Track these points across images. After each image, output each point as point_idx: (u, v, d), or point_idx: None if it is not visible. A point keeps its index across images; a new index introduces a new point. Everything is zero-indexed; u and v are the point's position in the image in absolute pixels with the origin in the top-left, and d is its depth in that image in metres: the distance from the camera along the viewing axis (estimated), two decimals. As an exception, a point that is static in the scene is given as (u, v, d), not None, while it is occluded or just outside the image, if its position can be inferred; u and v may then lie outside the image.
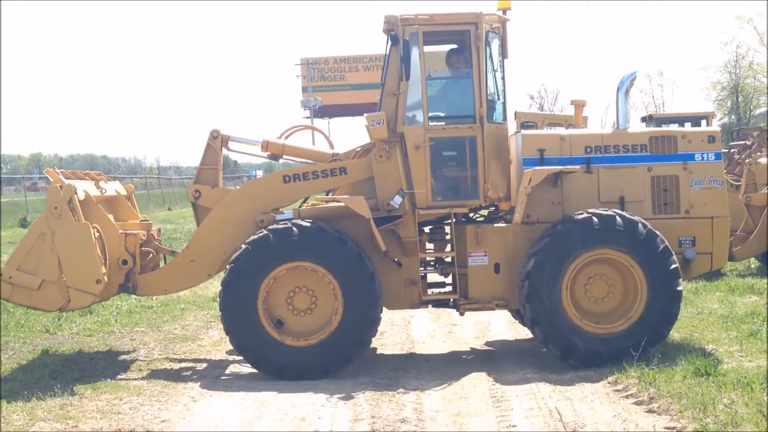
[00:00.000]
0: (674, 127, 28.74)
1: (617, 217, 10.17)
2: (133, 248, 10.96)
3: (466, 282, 10.82)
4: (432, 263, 11.25)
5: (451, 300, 10.98)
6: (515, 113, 28.32)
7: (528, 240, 10.64)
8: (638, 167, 10.83)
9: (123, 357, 11.48)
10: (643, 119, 31.32)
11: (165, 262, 11.51)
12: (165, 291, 11.42)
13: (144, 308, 14.93)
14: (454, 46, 11.11)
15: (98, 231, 10.51)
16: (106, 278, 10.47)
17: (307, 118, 70.06)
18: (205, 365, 11.08)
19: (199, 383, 10.09)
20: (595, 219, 10.17)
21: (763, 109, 60.20)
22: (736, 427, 7.57)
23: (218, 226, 10.88)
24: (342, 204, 10.71)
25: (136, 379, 10.26)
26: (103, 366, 10.84)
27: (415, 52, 10.57)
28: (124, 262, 10.90)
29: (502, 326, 13.30)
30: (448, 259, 11.08)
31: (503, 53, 11.15)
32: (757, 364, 9.83)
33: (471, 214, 11.26)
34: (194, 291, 15.61)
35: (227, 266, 10.29)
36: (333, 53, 75.12)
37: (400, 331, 13.20)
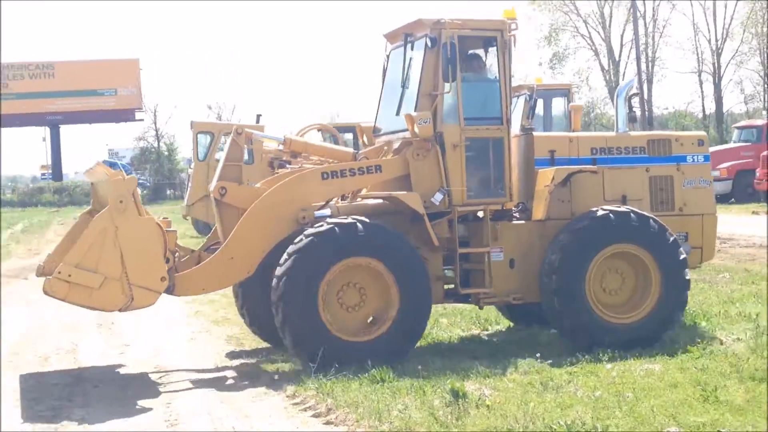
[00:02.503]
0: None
1: (632, 214, 11.03)
2: (173, 246, 10.64)
3: (483, 277, 11.28)
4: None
5: (471, 295, 11.43)
6: (191, 122, 29.16)
7: (540, 236, 11.33)
8: (637, 168, 11.81)
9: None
10: (319, 129, 32.41)
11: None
12: (203, 290, 11.12)
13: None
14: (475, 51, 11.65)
15: (160, 226, 10.18)
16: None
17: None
18: None
19: None
20: (612, 216, 10.97)
21: None
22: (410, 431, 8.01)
23: (258, 223, 10.75)
24: (378, 201, 11.04)
25: None
26: None
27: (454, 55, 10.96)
28: (166, 261, 10.52)
29: (174, 345, 13.04)
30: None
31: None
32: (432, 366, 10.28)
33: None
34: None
35: (286, 255, 10.24)
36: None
37: (67, 355, 12.43)
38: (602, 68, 63.42)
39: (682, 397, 8.51)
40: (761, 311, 12.32)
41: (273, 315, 11.31)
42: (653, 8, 61.87)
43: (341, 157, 11.75)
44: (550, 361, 10.19)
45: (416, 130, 10.86)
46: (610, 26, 62.62)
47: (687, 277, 11.24)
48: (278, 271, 10.27)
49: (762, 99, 62.62)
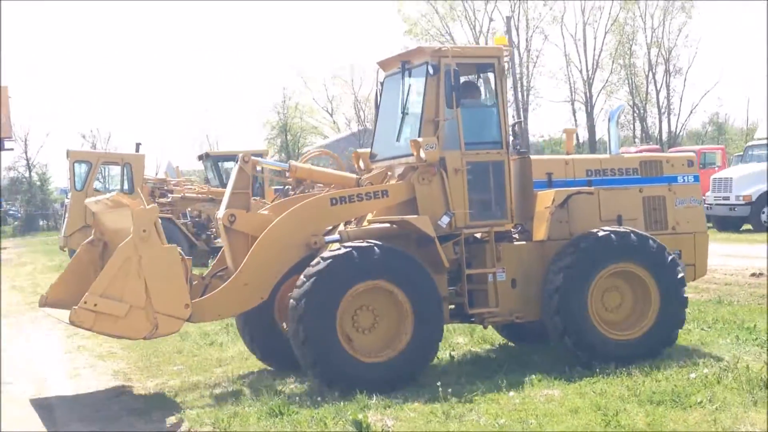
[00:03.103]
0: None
1: (632, 234, 11.34)
2: (189, 273, 10.70)
3: (486, 297, 11.48)
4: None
5: (476, 315, 11.55)
6: (68, 152, 28.95)
7: (540, 256, 11.58)
8: (631, 188, 12.18)
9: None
10: (200, 157, 32.57)
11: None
12: (219, 316, 11.20)
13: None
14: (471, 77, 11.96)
15: (181, 254, 10.22)
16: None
17: None
18: None
19: None
20: (613, 236, 11.26)
21: (310, 147, 66.34)
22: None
23: (270, 250, 10.87)
24: (385, 225, 11.21)
25: None
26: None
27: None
28: None
29: (57, 381, 12.69)
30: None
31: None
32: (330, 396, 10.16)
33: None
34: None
35: (304, 278, 10.35)
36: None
37: None
38: None
39: (584, 422, 8.59)
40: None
41: (273, 337, 11.80)
42: (526, 39, 64.05)
43: (345, 183, 11.92)
44: (450, 389, 10.07)
45: (422, 155, 11.07)
46: None
47: (685, 296, 11.58)
48: (296, 293, 10.37)
49: (632, 127, 65.19)
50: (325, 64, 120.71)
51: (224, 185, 27.79)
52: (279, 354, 11.89)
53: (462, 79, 11.56)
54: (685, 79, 64.59)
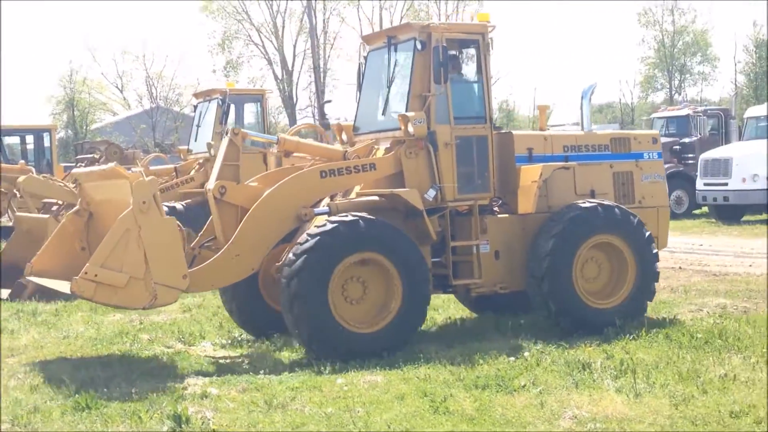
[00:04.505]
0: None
1: (616, 209, 11.88)
2: (185, 244, 10.81)
3: (471, 268, 11.83)
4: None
5: (458, 285, 11.91)
6: None
7: (522, 229, 12.01)
8: (603, 164, 12.69)
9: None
10: None
11: None
12: (212, 286, 11.31)
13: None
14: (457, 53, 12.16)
15: (179, 226, 10.30)
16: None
17: None
18: None
19: None
20: (600, 209, 11.76)
21: (99, 124, 64.65)
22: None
23: (261, 221, 11.04)
24: (373, 198, 11.46)
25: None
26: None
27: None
28: None
29: None
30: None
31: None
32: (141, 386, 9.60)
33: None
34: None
35: (292, 256, 10.53)
36: None
37: None
38: (276, 77, 64.04)
39: (412, 409, 8.51)
40: None
41: (260, 310, 12.08)
42: (323, 21, 63.61)
43: (332, 155, 12.10)
44: (272, 376, 10.01)
45: (410, 129, 11.32)
46: (283, 36, 63.80)
47: (657, 270, 12.19)
48: (287, 271, 10.55)
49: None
50: (115, 37, 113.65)
51: (7, 160, 27.07)
52: (259, 321, 12.19)
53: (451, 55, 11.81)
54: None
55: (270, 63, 64.06)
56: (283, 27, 63.73)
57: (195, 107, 24.36)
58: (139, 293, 10.01)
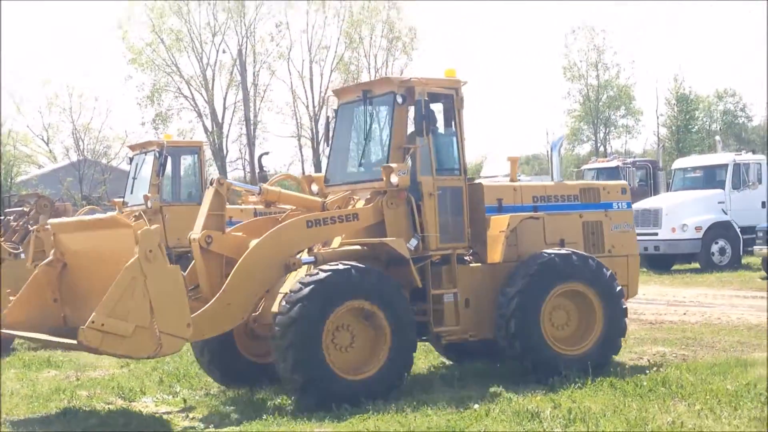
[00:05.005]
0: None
1: (573, 255, 12.22)
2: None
3: (442, 316, 12.01)
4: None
5: (434, 334, 12.10)
6: None
7: (492, 278, 12.27)
8: (573, 214, 13.08)
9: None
10: None
11: None
12: (203, 335, 11.25)
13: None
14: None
15: (182, 275, 10.39)
16: None
17: None
18: None
19: None
20: (557, 258, 12.07)
21: (25, 177, 62.58)
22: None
23: (251, 270, 11.17)
24: (356, 247, 11.70)
25: None
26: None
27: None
28: None
29: None
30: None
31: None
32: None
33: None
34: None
35: (286, 304, 10.67)
36: None
37: None
38: (206, 129, 63.67)
39: None
40: None
41: (235, 361, 12.19)
42: (254, 73, 64.31)
43: (310, 206, 12.34)
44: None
45: (393, 180, 11.63)
46: (213, 89, 63.96)
47: (624, 306, 12.53)
48: (281, 319, 10.69)
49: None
50: (40, 89, 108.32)
51: None
52: (236, 373, 12.28)
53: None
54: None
55: (200, 115, 63.91)
56: (213, 79, 63.89)
57: (131, 159, 24.13)
58: (145, 342, 10.01)
